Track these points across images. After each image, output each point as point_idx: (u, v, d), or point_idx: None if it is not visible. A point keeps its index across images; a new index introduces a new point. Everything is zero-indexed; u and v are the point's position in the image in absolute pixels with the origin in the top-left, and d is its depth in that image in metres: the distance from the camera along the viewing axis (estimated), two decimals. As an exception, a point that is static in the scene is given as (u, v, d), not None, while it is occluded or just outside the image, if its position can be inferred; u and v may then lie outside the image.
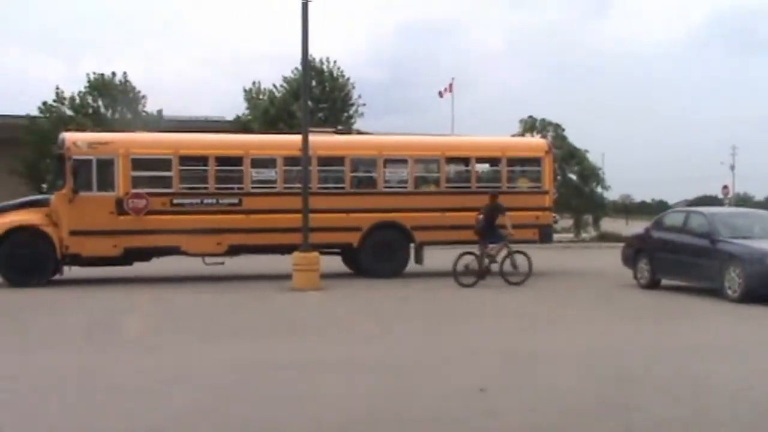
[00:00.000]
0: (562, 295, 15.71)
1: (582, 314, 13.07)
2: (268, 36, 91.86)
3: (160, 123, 33.56)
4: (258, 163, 18.45)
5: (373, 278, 17.87)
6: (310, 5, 16.47)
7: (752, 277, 13.69)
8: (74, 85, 37.28)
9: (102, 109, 35.72)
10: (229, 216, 17.83)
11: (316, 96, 34.80)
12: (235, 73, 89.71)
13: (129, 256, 17.71)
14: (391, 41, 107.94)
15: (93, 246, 17.11)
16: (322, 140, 18.74)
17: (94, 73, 36.28)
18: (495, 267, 16.94)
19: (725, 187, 48.30)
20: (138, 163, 17.59)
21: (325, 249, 17.54)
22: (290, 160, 18.12)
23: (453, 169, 20.04)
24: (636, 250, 17.11)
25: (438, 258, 20.81)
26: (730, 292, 14.05)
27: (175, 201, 17.70)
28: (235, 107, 40.49)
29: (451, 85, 43.78)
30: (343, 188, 18.66)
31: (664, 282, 16.44)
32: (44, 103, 35.55)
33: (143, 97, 36.70)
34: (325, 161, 18.65)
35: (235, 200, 18.06)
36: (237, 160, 18.21)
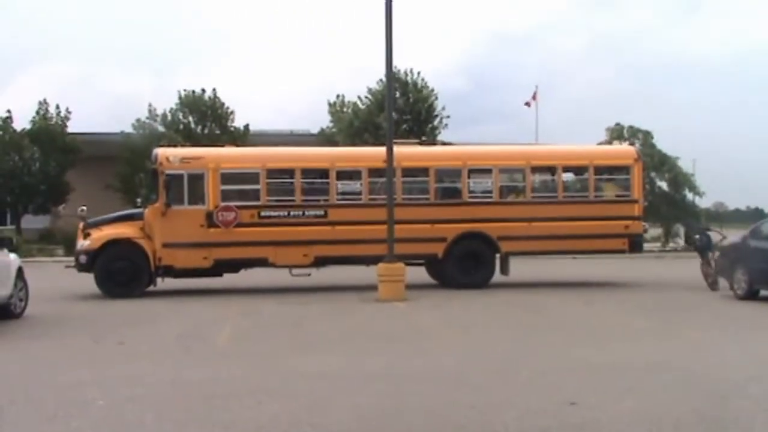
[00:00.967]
0: (655, 306, 15.25)
1: (677, 326, 12.66)
2: (352, 50, 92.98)
3: (247, 137, 34.34)
4: (343, 175, 18.63)
5: (458, 289, 17.76)
6: (394, 18, 16.57)
7: None
8: (166, 103, 38.31)
9: (192, 125, 36.80)
10: (315, 228, 18.04)
11: (400, 107, 34.95)
12: (320, 87, 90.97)
13: (219, 268, 18.11)
14: (473, 51, 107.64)
15: (185, 258, 17.58)
16: (407, 152, 18.80)
17: (185, 90, 37.47)
18: None
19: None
20: (227, 177, 18.00)
21: (410, 260, 17.55)
22: (375, 172, 18.21)
23: (538, 178, 19.75)
24: (732, 260, 16.50)
25: (522, 268, 20.59)
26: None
27: (263, 213, 18.03)
28: (319, 120, 40.97)
29: (535, 94, 43.41)
30: (427, 199, 18.64)
31: (763, 293, 15.80)
32: (138, 120, 36.88)
33: (231, 112, 37.67)
34: (410, 172, 18.68)
35: (321, 212, 18.26)
36: (323, 173, 18.43)
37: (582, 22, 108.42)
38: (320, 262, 18.36)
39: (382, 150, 17.44)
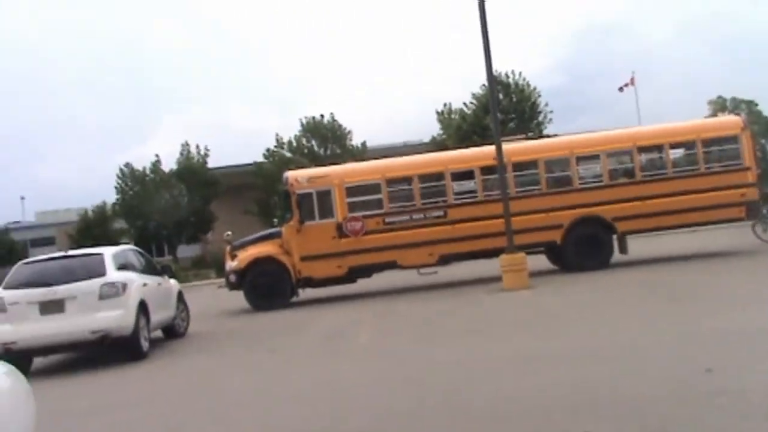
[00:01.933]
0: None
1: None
2: (454, 60, 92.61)
3: (365, 153, 34.72)
4: (458, 176, 18.48)
5: (579, 272, 17.24)
6: (489, 23, 16.34)
7: None
8: (291, 131, 39.34)
9: (315, 148, 37.57)
10: (436, 228, 17.97)
11: (504, 107, 34.46)
12: (428, 100, 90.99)
13: (353, 275, 18.33)
14: (568, 47, 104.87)
15: (321, 268, 17.90)
16: (515, 147, 18.47)
17: (306, 118, 38.31)
18: None
19: None
20: (351, 190, 18.21)
21: (529, 249, 17.20)
22: (487, 170, 17.97)
23: (646, 157, 18.93)
24: None
25: (641, 246, 19.82)
26: None
27: (387, 220, 18.12)
28: (430, 130, 40.99)
29: (632, 79, 41.83)
30: (540, 189, 18.23)
31: None
32: (267, 150, 38.00)
33: (348, 132, 38.21)
34: (520, 166, 18.32)
35: (441, 213, 18.18)
36: (438, 176, 18.35)
37: (667, 4, 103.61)
38: (445, 259, 18.28)
39: (491, 148, 17.20)
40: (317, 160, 33.67)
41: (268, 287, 17.75)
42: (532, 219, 17.53)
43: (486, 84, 23.60)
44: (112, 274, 11.67)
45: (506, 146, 17.21)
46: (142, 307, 12.00)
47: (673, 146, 18.73)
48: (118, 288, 11.54)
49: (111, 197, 40.35)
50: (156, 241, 39.51)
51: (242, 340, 13.07)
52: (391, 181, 18.34)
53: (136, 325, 11.63)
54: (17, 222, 53.20)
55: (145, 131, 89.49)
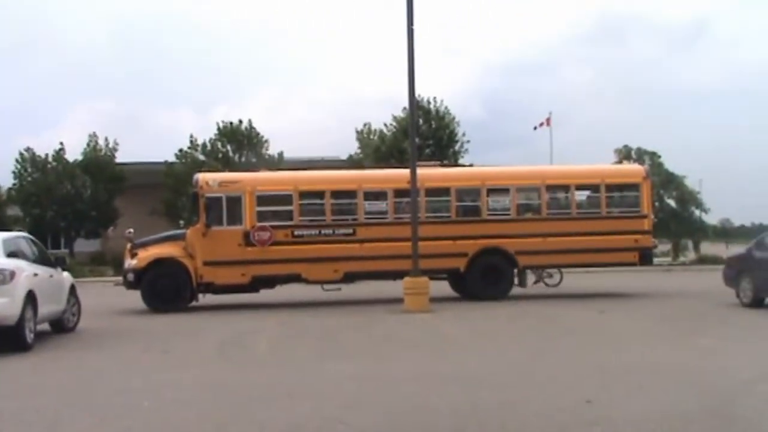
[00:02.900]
0: (665, 315, 15.06)
1: (685, 332, 12.50)
2: (378, 81, 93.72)
3: (281, 164, 34.56)
4: (370, 195, 18.69)
5: (479, 301, 17.68)
6: (416, 51, 16.70)
7: None
8: (206, 133, 38.72)
9: (230, 154, 37.11)
10: (344, 245, 18.08)
11: (423, 133, 35.00)
12: (348, 117, 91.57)
13: (256, 284, 18.19)
14: (487, 82, 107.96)
15: (224, 275, 17.70)
16: (429, 173, 18.83)
17: (223, 122, 37.84)
18: None
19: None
20: (262, 199, 18.12)
21: (433, 274, 17.52)
22: (400, 192, 18.25)
23: (553, 196, 19.65)
24: (738, 270, 16.28)
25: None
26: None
27: (296, 232, 18.12)
28: (347, 148, 41.17)
29: (548, 119, 43.15)
30: (449, 217, 18.64)
31: (768, 301, 15.57)
32: (180, 150, 37.28)
33: (266, 141, 37.94)
34: (432, 192, 18.69)
35: (350, 230, 18.31)
36: (351, 194, 18.51)
37: (588, 54, 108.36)
38: (350, 277, 18.39)
39: (406, 171, 17.50)
40: (231, 167, 33.28)
41: (168, 289, 17.40)
42: (438, 245, 17.87)
43: (407, 107, 24.02)
44: (1, 261, 11.22)
45: (421, 171, 17.51)
46: (30, 298, 11.53)
47: (579, 188, 19.56)
48: (6, 275, 11.09)
49: (7, 182, 38.61)
50: (52, 232, 37.95)
51: (135, 340, 12.76)
52: (303, 194, 18.37)
53: (22, 315, 11.17)
54: None
55: (53, 118, 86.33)
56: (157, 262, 17.57)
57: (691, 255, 36.93)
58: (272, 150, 37.89)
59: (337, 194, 18.54)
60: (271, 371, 9.36)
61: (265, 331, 13.55)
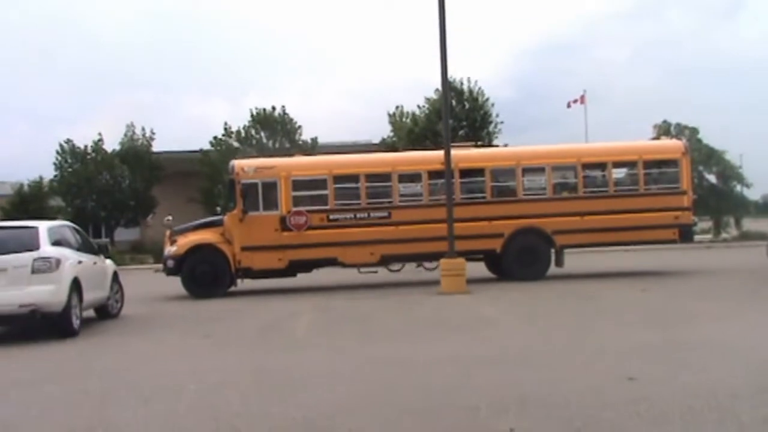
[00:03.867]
0: (709, 292, 14.84)
1: (730, 308, 12.29)
2: (409, 66, 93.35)
3: (315, 150, 34.64)
4: (405, 178, 18.65)
5: (516, 282, 17.59)
6: (448, 32, 16.55)
7: None
8: (240, 121, 38.91)
9: (264, 140, 37.28)
10: (380, 228, 18.09)
11: (457, 114, 34.74)
12: (380, 101, 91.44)
13: (293, 268, 18.31)
14: (523, 62, 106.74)
15: (262, 260, 17.84)
16: (463, 154, 18.74)
17: (257, 109, 37.99)
18: None
19: None
20: (298, 184, 18.21)
21: (470, 255, 17.46)
22: (434, 174, 18.17)
23: (590, 174, 19.41)
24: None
25: (577, 261, 20.32)
26: None
27: (332, 216, 18.17)
28: (380, 132, 41.08)
29: (582, 97, 42.68)
30: (484, 197, 18.53)
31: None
32: (215, 138, 37.56)
33: (299, 127, 38.04)
34: (467, 173, 18.60)
35: (385, 213, 18.31)
36: (385, 177, 18.49)
37: (624, 30, 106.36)
38: (386, 260, 18.43)
39: (440, 153, 17.41)
40: (265, 153, 33.42)
41: (207, 275, 17.61)
42: (474, 226, 17.79)
43: (440, 89, 23.88)
44: (46, 249, 11.44)
45: (455, 152, 17.43)
46: (76, 285, 11.78)
47: (616, 165, 19.27)
48: (52, 263, 11.32)
49: (49, 173, 39.29)
50: (93, 222, 38.57)
51: (177, 325, 12.97)
52: (338, 178, 18.39)
53: (68, 301, 11.42)
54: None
55: (90, 109, 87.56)
56: (196, 249, 17.77)
57: (732, 231, 36.22)
58: (305, 136, 38.01)
59: (371, 177, 18.53)
60: (311, 354, 9.43)
61: (304, 315, 13.64)
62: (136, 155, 38.57)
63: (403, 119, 39.10)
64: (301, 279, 18.86)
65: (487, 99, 36.62)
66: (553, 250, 18.55)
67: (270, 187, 18.08)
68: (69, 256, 11.97)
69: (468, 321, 12.05)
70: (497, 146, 27.28)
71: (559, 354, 8.70)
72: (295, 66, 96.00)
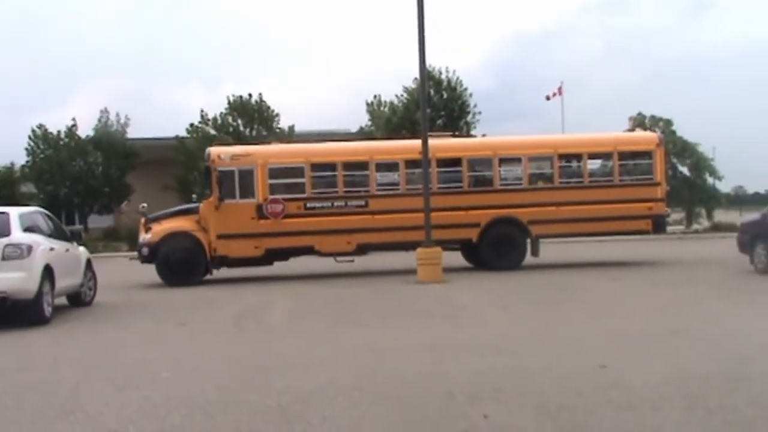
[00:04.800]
0: (679, 282, 15.05)
1: (700, 298, 12.48)
2: (388, 54, 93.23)
3: (292, 138, 34.51)
4: (382, 167, 18.66)
5: (492, 271, 17.69)
6: (426, 22, 16.54)
7: None
8: (216, 108, 38.67)
9: (241, 128, 37.05)
10: (357, 217, 18.08)
11: (435, 104, 34.77)
12: (358, 90, 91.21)
13: (269, 257, 18.27)
14: (498, 52, 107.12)
15: (238, 248, 17.76)
16: (441, 143, 18.78)
17: (233, 96, 37.72)
18: None
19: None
20: (274, 172, 18.13)
21: (446, 245, 17.52)
22: (411, 163, 18.21)
23: (565, 165, 19.54)
24: (752, 237, 16.18)
25: (552, 251, 20.48)
26: None
27: (309, 205, 18.13)
28: (358, 121, 41.04)
29: (560, 89, 42.86)
30: (461, 187, 18.59)
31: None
32: (191, 125, 37.24)
33: (276, 115, 37.84)
34: (444, 163, 18.64)
35: (362, 202, 18.30)
36: (363, 165, 18.48)
37: (599, 22, 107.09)
38: (362, 249, 18.43)
39: (417, 142, 17.43)
40: (242, 141, 33.23)
41: (182, 263, 17.50)
42: (451, 215, 17.86)
43: (418, 78, 23.86)
44: (17, 235, 11.30)
45: (432, 141, 17.45)
46: (47, 272, 11.66)
47: (591, 156, 19.43)
48: (23, 250, 11.19)
49: (21, 159, 38.76)
50: (66, 208, 38.15)
51: (151, 313, 12.87)
52: (315, 166, 18.35)
53: (40, 289, 11.29)
54: None
55: (64, 93, 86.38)
56: (171, 236, 17.66)
57: (704, 223, 36.73)
58: (283, 124, 37.83)
59: (348, 166, 18.51)
60: (286, 342, 9.42)
61: (280, 303, 13.62)
62: (110, 141, 38.13)
63: (381, 108, 39.07)
64: (278, 267, 18.81)
65: (465, 89, 36.75)
66: (528, 240, 18.68)
67: (247, 175, 17.99)
68: (41, 242, 11.83)
69: (443, 309, 12.11)
70: (474, 136, 27.29)
71: (533, 342, 8.77)
72: (273, 54, 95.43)
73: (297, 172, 18.24)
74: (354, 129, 39.78)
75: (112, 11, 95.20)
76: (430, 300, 13.29)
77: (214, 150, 18.77)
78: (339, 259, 18.53)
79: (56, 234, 13.06)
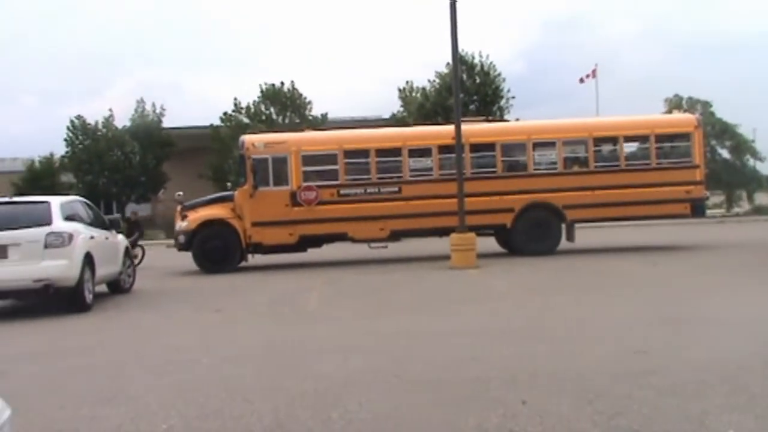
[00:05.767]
0: (721, 266, 14.79)
1: (742, 282, 12.25)
2: (419, 40, 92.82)
3: (325, 125, 34.56)
4: (415, 152, 18.61)
5: (526, 257, 17.57)
6: (459, 7, 16.40)
7: None
8: (249, 97, 38.85)
9: (274, 116, 37.21)
10: (390, 203, 18.09)
11: (468, 89, 34.54)
12: (390, 77, 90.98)
13: (303, 244, 18.37)
14: (534, 36, 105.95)
15: (272, 235, 17.89)
16: (474, 128, 18.66)
17: (266, 84, 37.86)
18: None
19: None
20: (308, 159, 18.19)
21: (480, 230, 17.45)
22: (444, 149, 18.13)
23: (601, 149, 19.30)
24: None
25: (587, 236, 20.26)
26: None
27: (342, 191, 18.17)
28: (390, 107, 40.93)
29: (594, 71, 42.29)
30: (495, 172, 18.47)
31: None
32: (225, 114, 37.50)
33: (309, 102, 37.91)
34: (478, 148, 18.53)
35: (395, 188, 18.29)
36: (396, 151, 18.44)
37: (635, 4, 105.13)
38: (396, 235, 18.44)
39: (450, 128, 17.35)
40: (275, 128, 33.35)
41: (218, 250, 17.69)
42: (484, 201, 17.78)
43: (451, 63, 23.70)
44: (59, 224, 11.51)
45: (466, 126, 17.36)
46: (88, 260, 11.87)
47: (628, 139, 19.14)
48: (64, 238, 11.39)
49: (60, 149, 39.43)
50: (105, 198, 38.78)
51: (188, 300, 13.04)
52: (348, 153, 18.36)
53: (81, 276, 11.51)
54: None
55: (101, 85, 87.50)
56: (207, 224, 17.84)
57: (745, 206, 36.04)
58: (315, 111, 37.90)
59: (381, 152, 18.48)
60: (322, 328, 9.47)
61: (315, 289, 13.69)
62: (147, 131, 38.60)
63: (414, 94, 38.92)
64: (312, 254, 18.89)
65: (499, 74, 36.43)
66: (563, 225, 18.51)
67: (280, 163, 18.08)
68: (81, 231, 12.04)
69: (478, 295, 12.06)
70: (508, 121, 27.08)
71: (570, 327, 8.69)
72: (305, 42, 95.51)
73: (330, 159, 18.28)
74: (386, 115, 39.68)
75: (145, 2, 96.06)
76: (464, 286, 13.25)
77: (247, 138, 18.89)
78: (372, 245, 18.56)
79: (96, 222, 13.28)
